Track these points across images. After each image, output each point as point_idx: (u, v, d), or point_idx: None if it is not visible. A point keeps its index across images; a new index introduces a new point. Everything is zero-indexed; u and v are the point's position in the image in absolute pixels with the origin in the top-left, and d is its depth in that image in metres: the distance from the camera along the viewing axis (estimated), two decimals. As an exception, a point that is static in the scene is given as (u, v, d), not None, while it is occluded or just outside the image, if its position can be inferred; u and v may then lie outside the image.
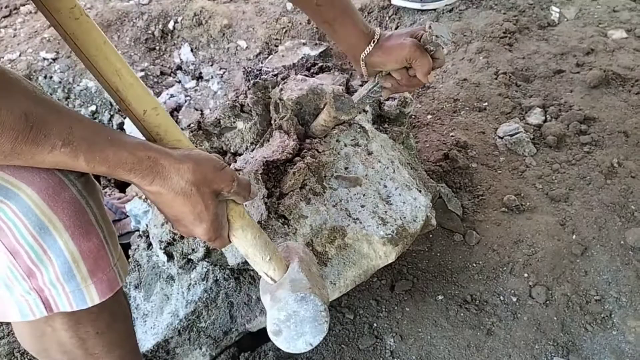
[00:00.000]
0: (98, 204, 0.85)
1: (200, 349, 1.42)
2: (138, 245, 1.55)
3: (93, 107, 2.27)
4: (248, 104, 1.44)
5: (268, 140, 1.40)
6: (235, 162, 1.37)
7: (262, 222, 1.24)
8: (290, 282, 0.95)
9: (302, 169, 1.27)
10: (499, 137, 1.96)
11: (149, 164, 0.77)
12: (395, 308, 1.53)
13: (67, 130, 0.70)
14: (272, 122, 1.41)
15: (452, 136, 1.99)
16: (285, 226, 1.26)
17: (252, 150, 1.42)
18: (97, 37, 0.87)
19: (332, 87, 1.42)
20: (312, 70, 1.61)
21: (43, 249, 0.78)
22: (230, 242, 0.94)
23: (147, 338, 1.43)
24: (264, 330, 1.44)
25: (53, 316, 0.87)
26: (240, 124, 1.47)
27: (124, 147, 0.76)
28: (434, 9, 2.52)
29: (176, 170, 0.79)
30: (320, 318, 0.95)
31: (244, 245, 0.94)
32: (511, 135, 1.93)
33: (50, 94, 2.33)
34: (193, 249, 1.34)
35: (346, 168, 1.35)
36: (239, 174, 1.29)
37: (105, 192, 1.94)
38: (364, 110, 1.46)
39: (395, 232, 1.25)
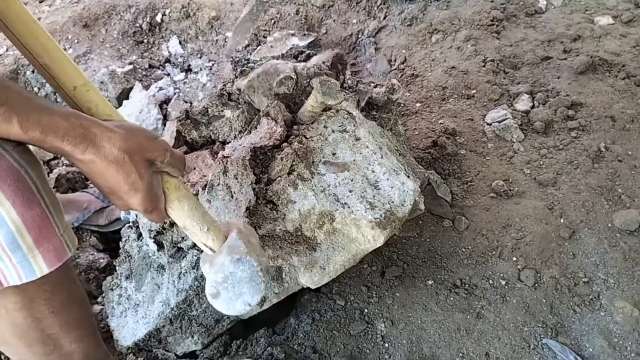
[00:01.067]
0: (38, 174, 0.82)
1: (192, 337, 1.42)
2: (128, 237, 1.55)
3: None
4: (235, 93, 1.44)
5: (255, 127, 1.40)
6: (224, 149, 1.37)
7: (251, 207, 1.25)
8: (227, 247, 0.97)
9: (289, 154, 1.28)
10: (487, 124, 1.98)
11: (81, 132, 0.77)
12: (386, 294, 1.54)
13: (2, 91, 0.71)
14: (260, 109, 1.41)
15: (440, 123, 2.00)
16: (274, 212, 1.26)
17: (240, 138, 1.42)
18: (26, 17, 0.89)
19: (290, 64, 1.43)
20: (299, 59, 1.61)
21: None
22: (167, 214, 0.93)
23: (138, 327, 1.43)
24: (255, 317, 1.46)
25: (5, 296, 0.85)
26: (228, 113, 1.47)
27: (58, 113, 0.75)
28: (422, -1, 2.53)
29: (108, 138, 0.79)
30: (256, 278, 0.97)
31: (181, 217, 0.94)
32: (499, 122, 1.95)
33: (38, 89, 2.32)
34: (183, 237, 1.34)
35: (334, 154, 1.35)
36: (227, 160, 1.29)
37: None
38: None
39: (383, 216, 1.26)
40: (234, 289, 0.97)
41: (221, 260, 0.95)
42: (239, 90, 1.47)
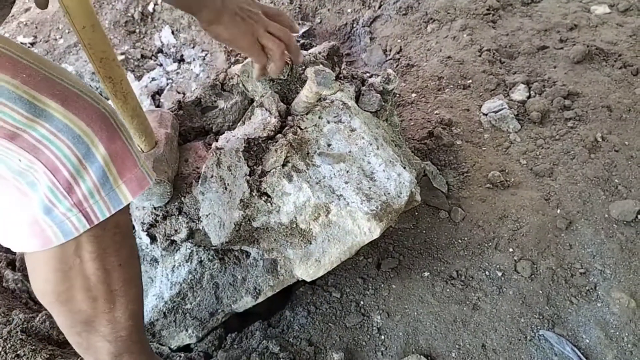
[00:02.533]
0: (112, 110, 0.88)
1: (187, 330, 1.41)
2: (121, 229, 1.53)
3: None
4: (228, 81, 1.42)
5: (249, 118, 1.38)
6: (217, 141, 1.35)
7: (245, 199, 1.23)
8: (154, 162, 1.22)
9: (284, 146, 1.26)
10: (484, 114, 1.96)
11: None
12: (382, 286, 1.53)
13: None
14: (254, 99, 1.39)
15: (436, 114, 1.98)
16: (268, 204, 1.24)
17: (234, 129, 1.40)
18: None
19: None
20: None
21: (79, 159, 0.82)
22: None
23: (132, 321, 1.41)
24: (250, 310, 1.44)
25: (82, 245, 0.89)
26: (221, 103, 1.45)
27: None
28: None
29: None
30: (165, 195, 1.29)
31: (130, 123, 1.16)
32: (495, 112, 1.93)
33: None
34: (176, 230, 1.32)
35: (329, 145, 1.33)
36: (221, 152, 1.27)
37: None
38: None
39: (379, 207, 1.25)
40: (147, 196, 1.26)
41: None
42: (233, 77, 1.45)
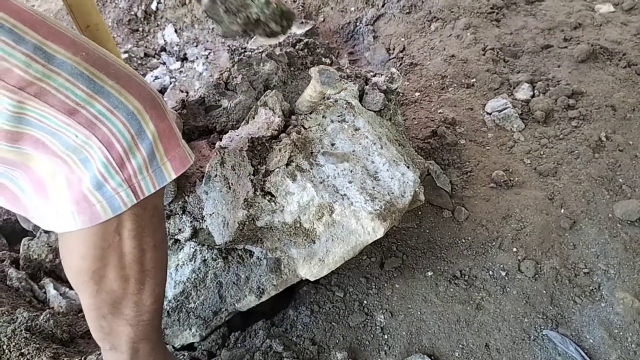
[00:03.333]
0: (158, 93, 0.91)
1: (190, 329, 1.41)
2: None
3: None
4: (232, 80, 1.42)
5: (253, 117, 1.38)
6: (221, 140, 1.35)
7: (248, 199, 1.23)
8: None
9: (287, 145, 1.26)
10: (487, 113, 1.96)
11: None
12: (385, 285, 1.53)
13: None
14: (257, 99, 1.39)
15: (440, 113, 1.98)
16: (272, 203, 1.24)
17: (238, 128, 1.40)
18: None
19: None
20: (297, 47, 1.59)
21: (132, 135, 0.85)
22: None
23: (135, 320, 1.41)
24: (254, 309, 1.44)
25: (122, 222, 0.91)
26: (225, 102, 1.45)
27: None
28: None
29: None
30: (169, 194, 1.28)
31: None
32: (499, 111, 1.93)
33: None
34: (180, 229, 1.32)
35: (333, 144, 1.33)
36: (225, 151, 1.27)
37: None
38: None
39: (383, 207, 1.24)
40: None
41: None
42: (237, 76, 1.44)
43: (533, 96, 2.00)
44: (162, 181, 0.92)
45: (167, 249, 1.08)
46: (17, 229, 1.78)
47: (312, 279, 1.32)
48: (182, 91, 2.32)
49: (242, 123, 1.41)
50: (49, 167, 0.87)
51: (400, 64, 2.26)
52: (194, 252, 1.38)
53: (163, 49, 2.53)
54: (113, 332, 1.04)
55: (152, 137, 0.88)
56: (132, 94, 0.86)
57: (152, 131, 0.87)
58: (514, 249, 1.58)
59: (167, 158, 0.91)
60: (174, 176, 0.93)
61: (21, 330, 1.34)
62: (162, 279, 1.04)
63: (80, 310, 1.51)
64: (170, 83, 2.34)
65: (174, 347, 1.43)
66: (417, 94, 2.09)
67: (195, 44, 2.52)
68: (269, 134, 1.30)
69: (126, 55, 2.39)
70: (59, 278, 1.62)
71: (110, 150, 0.84)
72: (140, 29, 2.54)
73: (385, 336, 1.43)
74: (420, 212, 1.68)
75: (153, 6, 2.55)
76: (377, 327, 1.45)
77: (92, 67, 0.83)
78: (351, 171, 1.29)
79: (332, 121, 1.36)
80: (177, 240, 1.36)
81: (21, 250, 1.65)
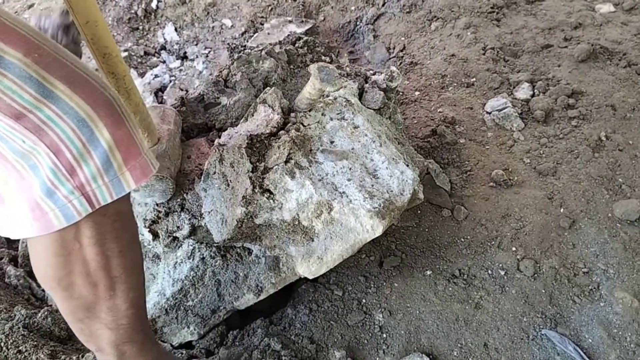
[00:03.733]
0: (118, 97, 0.88)
1: (188, 327, 1.41)
2: (123, 225, 1.53)
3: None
4: (231, 77, 1.42)
5: (252, 115, 1.38)
6: (220, 137, 1.35)
7: (247, 196, 1.23)
8: (156, 158, 1.16)
9: (286, 142, 1.25)
10: (487, 113, 1.95)
11: None
12: (384, 284, 1.53)
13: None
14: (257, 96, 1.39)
15: (440, 112, 1.97)
16: (271, 201, 1.24)
17: (237, 125, 1.39)
18: None
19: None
20: (297, 45, 1.58)
21: (82, 143, 0.82)
22: None
23: (133, 317, 1.41)
24: (252, 308, 1.44)
25: (81, 230, 0.89)
26: (224, 100, 1.44)
27: None
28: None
29: None
30: (168, 191, 1.30)
31: (133, 118, 1.15)
32: (499, 111, 1.92)
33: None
34: (178, 227, 1.32)
35: (332, 142, 1.33)
36: (223, 148, 1.27)
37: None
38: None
39: (382, 205, 1.24)
40: (150, 192, 1.28)
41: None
42: (236, 73, 1.44)
43: (533, 95, 2.00)
44: (120, 191, 0.88)
45: (140, 252, 1.04)
46: (16, 226, 1.78)
47: (310, 277, 1.32)
48: (182, 89, 2.31)
49: (241, 120, 1.41)
50: (1, 172, 0.84)
51: (401, 63, 2.25)
52: (193, 249, 1.37)
53: (163, 48, 2.52)
54: (94, 335, 1.02)
55: (106, 145, 0.84)
56: (85, 99, 0.82)
57: (107, 139, 0.84)
58: (513, 248, 1.57)
59: (127, 167, 0.88)
60: (133, 186, 0.89)
61: (19, 328, 1.33)
62: (135, 283, 1.01)
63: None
64: (170, 81, 2.33)
65: (172, 345, 1.42)
66: (417, 93, 2.09)
67: (195, 43, 2.52)
68: (268, 131, 1.30)
69: (126, 53, 2.38)
70: (57, 275, 1.62)
71: (58, 156, 0.81)
72: (141, 27, 2.54)
73: (384, 335, 1.43)
74: (419, 211, 1.67)
75: (153, 4, 2.55)
76: (376, 326, 1.45)
77: (43, 70, 0.78)
78: (350, 169, 1.28)
79: (331, 119, 1.36)
80: (175, 238, 1.36)
81: (20, 248, 1.64)
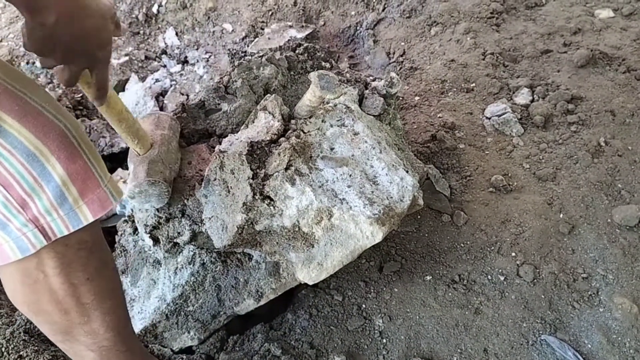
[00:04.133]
0: (76, 128, 0.86)
1: (189, 332, 1.41)
2: (124, 231, 1.54)
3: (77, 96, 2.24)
4: (232, 84, 1.43)
5: (253, 121, 1.38)
6: (220, 143, 1.36)
7: (247, 203, 1.23)
8: (148, 163, 1.22)
9: (287, 149, 1.26)
10: (487, 118, 1.96)
11: None
12: (384, 289, 1.53)
13: None
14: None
15: (439, 117, 1.98)
16: (271, 207, 1.25)
17: (237, 132, 1.40)
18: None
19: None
20: (297, 51, 1.59)
21: (34, 177, 0.81)
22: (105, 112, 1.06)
23: (134, 323, 1.41)
24: (252, 313, 1.44)
25: (44, 260, 0.88)
26: (225, 106, 1.45)
27: None
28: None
29: None
30: (163, 195, 1.28)
31: (122, 130, 1.14)
32: (499, 116, 1.93)
33: (33, 80, 2.29)
34: (179, 232, 1.32)
35: (332, 148, 1.33)
36: (224, 155, 1.28)
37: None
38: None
39: (382, 212, 1.25)
40: (146, 198, 1.27)
41: (141, 178, 1.21)
42: (237, 79, 1.44)
43: (532, 101, 2.00)
44: (77, 224, 0.86)
45: (113, 276, 1.03)
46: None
47: (310, 283, 1.32)
48: (182, 94, 2.32)
49: (242, 127, 1.42)
50: None
51: (400, 68, 2.26)
52: (193, 255, 1.38)
53: (164, 52, 2.53)
54: (78, 355, 1.02)
55: (59, 179, 0.82)
56: (35, 133, 0.80)
57: (60, 174, 0.82)
58: (513, 254, 1.58)
59: (84, 201, 0.86)
60: (91, 219, 0.87)
61: (20, 333, 1.34)
62: (110, 307, 1.00)
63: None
64: (171, 86, 2.34)
65: (172, 350, 1.43)
66: (416, 98, 2.09)
67: (195, 47, 2.53)
68: (268, 138, 1.30)
69: (127, 57, 2.39)
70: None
71: (9, 190, 0.80)
72: (141, 31, 2.55)
73: (384, 340, 1.43)
74: (419, 217, 1.68)
75: (154, 9, 2.56)
76: (376, 331, 1.45)
77: None
78: (350, 175, 1.29)
79: (331, 125, 1.37)
80: (176, 244, 1.36)
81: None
